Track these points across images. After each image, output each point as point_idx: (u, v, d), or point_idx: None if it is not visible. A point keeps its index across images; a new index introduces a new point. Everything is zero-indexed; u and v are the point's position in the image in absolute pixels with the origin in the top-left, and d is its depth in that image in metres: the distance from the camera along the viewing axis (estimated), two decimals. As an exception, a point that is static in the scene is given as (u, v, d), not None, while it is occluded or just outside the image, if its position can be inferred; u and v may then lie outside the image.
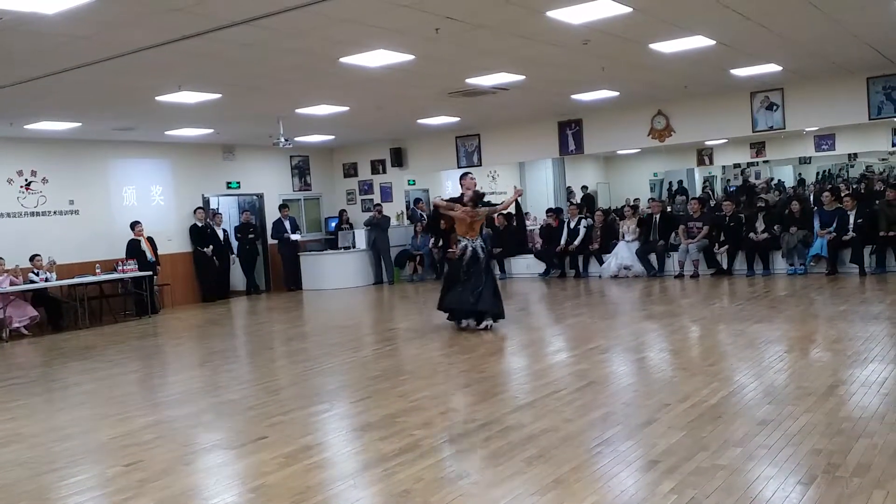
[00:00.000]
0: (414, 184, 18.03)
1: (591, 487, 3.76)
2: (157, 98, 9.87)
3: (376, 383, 6.55)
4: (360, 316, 12.31)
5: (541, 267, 14.99)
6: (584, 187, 23.37)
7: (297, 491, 3.97)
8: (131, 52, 7.39)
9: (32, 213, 12.70)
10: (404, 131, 15.86)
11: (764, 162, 26.13)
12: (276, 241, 16.14)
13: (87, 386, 7.63)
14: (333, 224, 17.31)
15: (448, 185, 20.44)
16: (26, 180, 12.63)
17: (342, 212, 17.30)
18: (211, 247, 14.80)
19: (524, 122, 15.06)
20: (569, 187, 22.19)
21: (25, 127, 11.39)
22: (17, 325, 11.42)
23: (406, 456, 4.41)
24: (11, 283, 11.42)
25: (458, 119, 14.28)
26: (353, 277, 15.83)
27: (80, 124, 11.61)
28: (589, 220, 15.03)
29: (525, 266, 15.32)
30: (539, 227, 16.57)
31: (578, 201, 19.65)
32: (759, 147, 21.61)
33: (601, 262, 14.22)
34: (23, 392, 7.53)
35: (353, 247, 16.14)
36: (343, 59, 8.46)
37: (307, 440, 4.98)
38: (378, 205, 16.76)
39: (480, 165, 16.49)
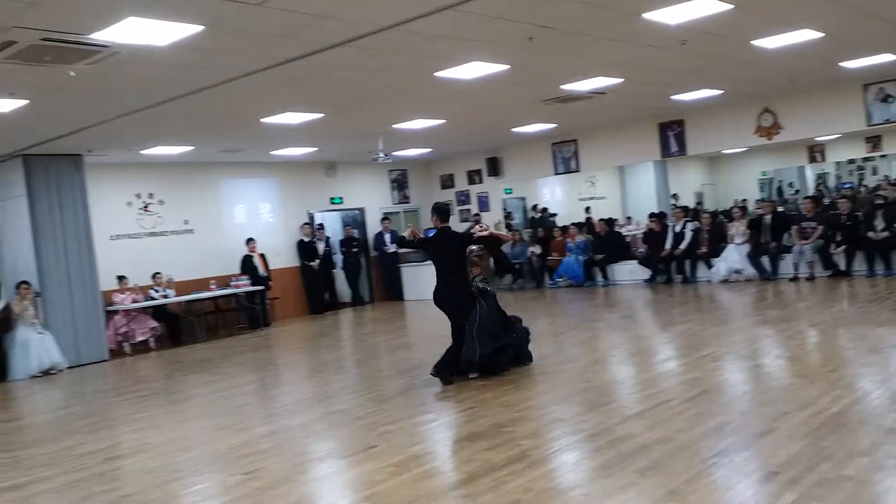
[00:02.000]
0: (511, 192, 18.03)
1: (707, 499, 3.64)
2: (263, 120, 10.27)
3: (480, 393, 6.56)
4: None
5: (645, 273, 14.66)
6: (699, 194, 22.63)
7: (409, 500, 4.02)
8: (237, 78, 7.72)
9: (151, 234, 13.43)
10: (500, 140, 15.88)
11: (881, 157, 24.67)
12: (377, 254, 16.47)
13: (205, 398, 8.00)
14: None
15: (545, 194, 20.35)
16: (144, 202, 13.38)
17: (441, 223, 17.44)
18: (317, 261, 15.26)
19: (623, 126, 14.80)
20: (674, 194, 21.58)
21: (142, 152, 12.08)
22: (139, 338, 12.10)
23: (515, 466, 4.40)
24: (133, 301, 12.12)
25: (554, 125, 14.18)
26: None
27: (192, 148, 12.22)
28: (696, 223, 14.60)
29: (628, 272, 15.02)
30: (642, 232, 16.22)
31: (685, 206, 19.07)
32: (875, 141, 20.42)
33: (710, 267, 13.77)
34: (147, 404, 7.97)
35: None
36: (438, 74, 8.57)
37: (416, 449, 5.05)
38: (477, 214, 16.83)
39: (578, 171, 16.32)
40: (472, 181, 17.69)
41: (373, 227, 16.78)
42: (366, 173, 16.78)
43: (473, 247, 7.51)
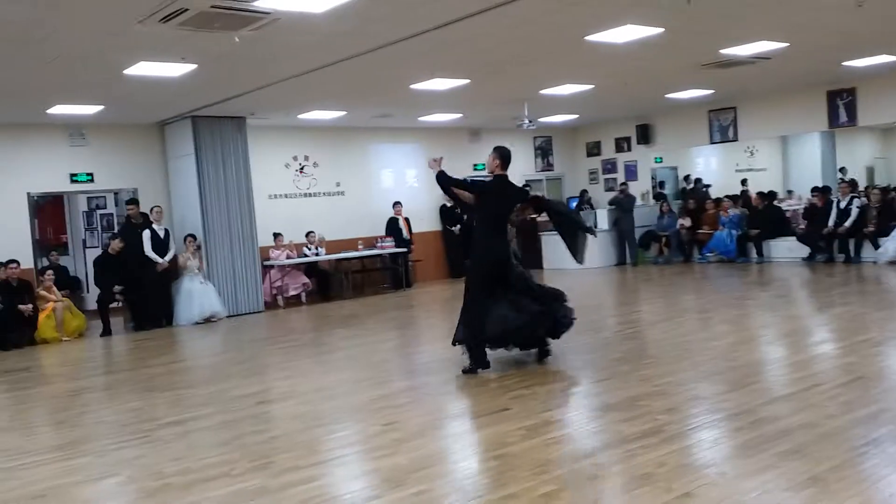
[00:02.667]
0: (661, 161, 17.42)
1: (853, 488, 3.43)
2: (412, 86, 10.46)
3: (618, 365, 6.46)
4: (602, 297, 12.18)
5: (804, 250, 13.79)
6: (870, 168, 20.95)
7: (538, 463, 4.05)
8: (389, 44, 7.90)
9: (305, 194, 14.09)
10: (651, 107, 15.34)
11: None
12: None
13: (350, 351, 8.37)
14: (574, 204, 17.25)
15: (699, 163, 19.49)
16: (300, 164, 14.04)
17: (583, 192, 17.19)
18: (458, 226, 15.46)
19: (787, 93, 13.88)
20: (842, 168, 20.05)
21: (299, 116, 12.65)
22: (292, 292, 12.81)
23: (648, 440, 4.31)
24: (288, 257, 12.82)
25: (712, 92, 13.51)
26: (595, 258, 15.61)
27: (345, 113, 12.66)
28: (862, 199, 13.53)
29: (787, 249, 14.17)
30: (803, 207, 15.23)
31: (853, 180, 17.71)
32: None
33: (877, 247, 12.74)
34: (296, 354, 8.45)
35: (595, 227, 15.96)
36: (589, 37, 8.37)
37: (548, 415, 5.06)
38: (623, 184, 16.41)
39: (736, 140, 15.52)
40: (619, 149, 17.24)
41: (516, 194, 16.74)
42: (509, 140, 16.65)
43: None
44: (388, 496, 3.76)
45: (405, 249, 14.17)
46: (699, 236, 15.27)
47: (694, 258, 15.29)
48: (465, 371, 6.40)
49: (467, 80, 10.38)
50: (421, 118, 13.95)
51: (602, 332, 8.50)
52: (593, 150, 17.75)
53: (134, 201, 11.72)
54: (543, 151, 17.61)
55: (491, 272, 6.39)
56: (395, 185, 15.23)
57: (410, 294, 13.50)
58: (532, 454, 4.22)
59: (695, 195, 16.68)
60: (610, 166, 17.46)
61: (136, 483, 4.33)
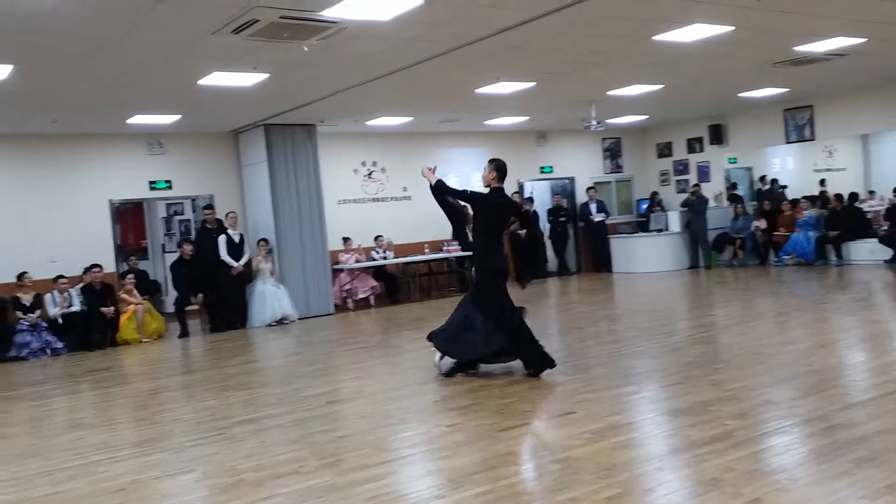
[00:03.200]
0: (735, 162, 16.99)
1: (936, 500, 3.30)
2: (477, 90, 10.50)
3: (689, 370, 6.35)
4: (674, 300, 11.96)
5: (886, 252, 13.24)
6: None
7: (604, 467, 4.03)
8: (454, 49, 7.96)
9: (373, 199, 14.30)
10: (724, 106, 14.99)
11: None
12: (583, 224, 16.33)
13: (417, 353, 8.43)
14: (644, 206, 17.00)
15: (774, 164, 18.93)
16: (368, 170, 14.25)
17: (654, 193, 16.92)
18: (525, 230, 15.40)
19: (867, 90, 13.37)
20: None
21: (367, 122, 12.86)
22: (361, 295, 13.01)
23: (717, 445, 4.24)
24: (357, 261, 13.02)
25: (786, 90, 13.12)
26: (666, 261, 15.41)
27: (411, 118, 12.80)
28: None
29: (868, 252, 13.64)
30: (885, 207, 14.62)
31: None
32: None
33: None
34: (365, 355, 8.59)
35: (666, 229, 15.70)
36: (657, 37, 8.26)
37: (614, 419, 5.01)
38: (696, 185, 16.08)
39: (813, 139, 15.02)
40: (691, 150, 16.90)
41: (583, 196, 16.62)
42: (577, 142, 16.62)
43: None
44: (452, 496, 3.79)
45: (471, 252, 14.18)
46: (775, 238, 14.84)
47: (770, 261, 14.86)
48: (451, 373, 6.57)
49: (533, 83, 10.37)
50: (487, 122, 13.98)
51: (673, 336, 8.36)
52: (664, 151, 17.45)
53: (211, 206, 12.12)
54: (612, 153, 17.40)
55: (497, 282, 6.51)
56: (461, 188, 15.25)
57: (477, 297, 13.51)
58: (597, 458, 4.20)
59: (771, 196, 16.22)
60: (682, 167, 17.13)
61: (210, 479, 4.48)
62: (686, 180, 16.84)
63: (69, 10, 5.81)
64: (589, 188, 16.46)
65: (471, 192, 6.77)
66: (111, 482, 4.51)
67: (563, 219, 16.13)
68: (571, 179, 16.78)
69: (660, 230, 15.76)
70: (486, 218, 6.55)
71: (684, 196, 16.08)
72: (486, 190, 6.67)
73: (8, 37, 6.40)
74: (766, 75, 11.35)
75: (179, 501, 4.23)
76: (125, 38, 6.66)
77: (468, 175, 15.39)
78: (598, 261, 16.29)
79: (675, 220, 15.65)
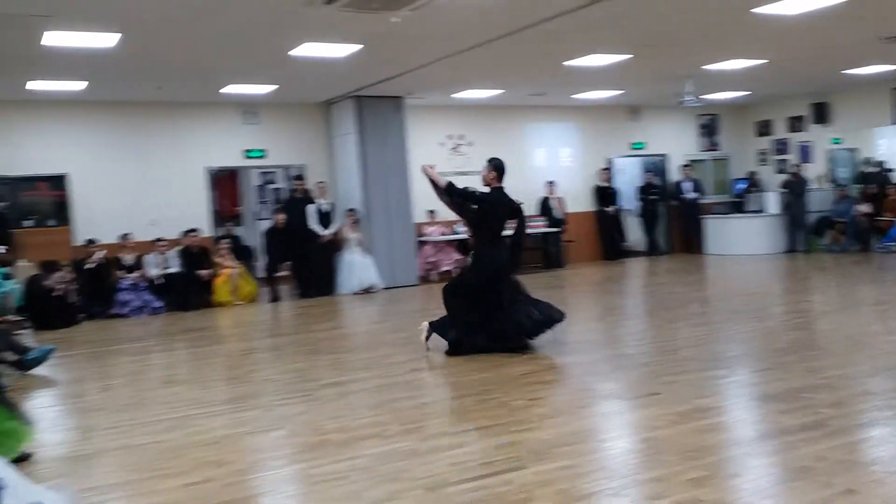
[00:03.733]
0: (840, 142, 16.17)
1: None
2: (566, 63, 10.32)
3: (782, 355, 6.14)
4: (768, 284, 11.55)
5: None
6: None
7: (689, 448, 3.95)
8: (547, 20, 7.83)
9: (459, 173, 14.24)
10: (828, 83, 14.25)
11: None
12: (676, 203, 15.91)
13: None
14: (741, 186, 16.42)
15: (881, 145, 17.93)
16: (455, 143, 14.26)
17: (752, 173, 16.31)
18: (614, 207, 15.17)
19: None
20: None
21: (454, 95, 12.84)
22: (444, 268, 13.10)
23: (810, 433, 4.09)
24: (441, 234, 13.11)
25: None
26: (762, 244, 14.86)
27: (500, 91, 12.71)
28: None
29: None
30: None
31: None
32: None
33: None
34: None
35: (763, 211, 15.14)
36: (756, 10, 7.91)
37: (701, 402, 4.90)
38: (796, 165, 15.41)
39: (925, 120, 14.15)
40: (792, 129, 16.18)
41: (676, 174, 16.19)
42: (671, 118, 16.15)
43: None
44: (533, 467, 3.80)
45: (558, 229, 14.08)
46: (879, 224, 14.10)
47: (873, 247, 14.13)
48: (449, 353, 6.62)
49: (627, 56, 10.11)
50: (575, 95, 13.74)
51: (766, 320, 8.09)
52: (763, 129, 16.76)
53: (301, 177, 12.40)
54: (708, 130, 16.84)
55: (489, 280, 6.66)
56: (548, 163, 15.12)
57: (561, 274, 13.42)
58: (681, 439, 4.13)
59: (876, 179, 15.39)
60: (781, 147, 16.42)
61: (298, 437, 4.64)
62: (786, 160, 16.16)
63: (174, -20, 6.01)
64: (684, 165, 16.00)
65: (473, 192, 6.94)
66: (205, 435, 4.73)
67: (653, 197, 15.76)
68: (664, 157, 16.34)
69: (756, 211, 15.20)
70: (488, 217, 6.76)
71: (783, 177, 15.44)
72: (487, 189, 6.86)
73: (116, 5, 6.67)
74: (874, 51, 10.73)
75: (268, 456, 4.39)
76: (224, 5, 6.83)
77: (556, 149, 15.23)
78: (690, 241, 15.86)
79: (772, 201, 15.05)
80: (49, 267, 9.81)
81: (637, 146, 16.02)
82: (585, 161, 15.47)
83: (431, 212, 13.22)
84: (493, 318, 6.60)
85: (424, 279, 12.99)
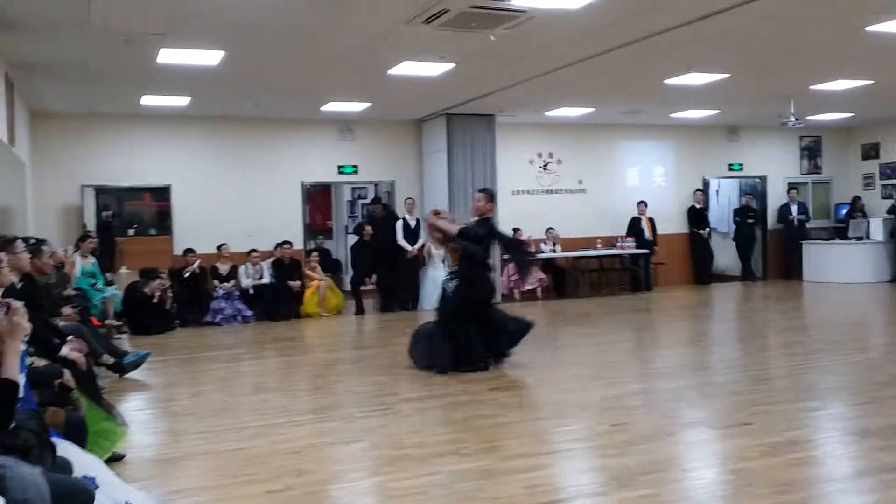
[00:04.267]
0: (954, 167, 15.26)
1: None
2: (665, 81, 10.12)
3: (882, 389, 5.80)
4: (869, 314, 10.96)
5: None
6: None
7: (781, 482, 3.77)
8: (645, 38, 7.70)
9: (547, 191, 14.22)
10: (944, 105, 13.46)
11: None
12: (780, 227, 15.31)
13: (582, 349, 8.34)
14: (844, 211, 15.67)
15: None
16: (544, 161, 14.19)
17: (856, 198, 15.54)
18: (708, 229, 14.75)
19: None
20: None
21: (546, 113, 12.79)
22: (528, 287, 13.00)
23: (913, 473, 3.84)
24: (528, 252, 13.03)
25: None
26: (864, 272, 14.12)
27: (593, 109, 12.57)
28: None
29: None
30: None
31: None
32: None
33: None
34: (529, 347, 8.50)
35: (867, 237, 14.39)
36: (870, 28, 7.55)
37: (794, 434, 4.67)
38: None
39: None
40: (902, 152, 15.35)
41: (774, 197, 15.60)
42: (771, 139, 15.59)
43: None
44: (615, 495, 3.71)
45: (647, 251, 13.78)
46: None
47: None
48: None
49: (727, 75, 9.83)
50: (673, 114, 13.46)
51: (867, 352, 7.69)
52: (870, 152, 15.96)
53: (378, 200, 12.57)
54: (811, 152, 16.16)
55: (477, 307, 6.98)
56: (640, 183, 14.84)
57: (650, 297, 13.10)
58: (773, 472, 3.94)
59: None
60: (889, 171, 15.59)
61: (378, 450, 4.67)
62: (894, 185, 15.33)
63: (276, 1, 6.22)
64: (790, 188, 15.38)
65: (476, 233, 7.07)
66: (288, 444, 4.82)
67: (750, 220, 15.23)
68: (763, 178, 15.76)
69: (860, 238, 14.46)
70: (487, 248, 7.10)
71: (890, 202, 14.65)
72: (477, 219, 7.19)
73: (221, 25, 6.96)
74: None
75: (348, 468, 4.44)
76: (325, 28, 7.03)
77: (650, 169, 14.93)
78: (788, 267, 15.23)
79: (878, 227, 14.30)
80: (148, 274, 10.26)
81: (735, 167, 15.53)
82: (679, 181, 15.10)
83: (516, 230, 13.16)
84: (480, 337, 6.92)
85: (507, 298, 12.92)
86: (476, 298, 7.00)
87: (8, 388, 2.74)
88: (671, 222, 14.83)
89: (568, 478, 4.12)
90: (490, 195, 7.22)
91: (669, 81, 10.13)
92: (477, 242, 7.03)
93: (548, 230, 13.41)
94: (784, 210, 15.23)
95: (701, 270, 14.83)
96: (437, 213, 7.39)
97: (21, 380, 2.98)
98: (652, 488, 3.76)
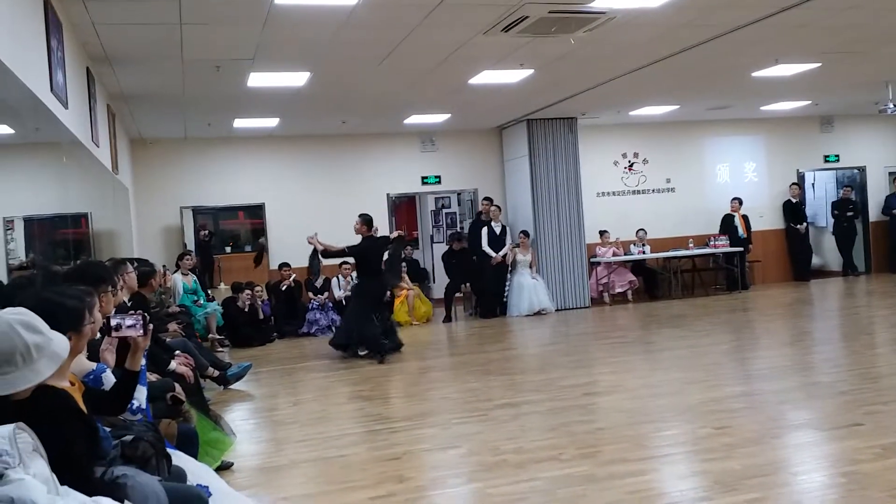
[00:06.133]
0: None
1: None
2: (753, 74, 9.83)
3: None
4: None
5: None
6: None
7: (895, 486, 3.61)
8: (729, 32, 7.51)
9: (633, 192, 13.99)
10: None
11: None
12: (885, 219, 14.58)
13: (678, 351, 8.16)
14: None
15: None
16: (629, 162, 13.97)
17: (966, 185, 14.67)
18: (805, 224, 14.20)
19: None
20: None
21: (629, 113, 12.60)
22: (618, 289, 12.82)
23: None
24: (614, 254, 12.85)
25: None
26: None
27: (677, 107, 12.32)
28: None
29: None
30: None
31: None
32: None
33: None
34: (622, 350, 8.46)
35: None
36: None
37: (911, 436, 4.46)
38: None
39: None
40: None
41: (874, 188, 14.88)
42: (869, 127, 14.87)
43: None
44: (720, 500, 3.63)
45: (741, 249, 13.36)
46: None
47: None
48: (381, 360, 8.43)
49: (817, 64, 9.47)
50: (763, 107, 13.04)
51: None
52: (980, 137, 15.04)
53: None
54: (912, 139, 15.35)
55: (374, 301, 8.96)
56: (731, 180, 14.42)
57: (746, 296, 12.70)
58: (888, 475, 3.78)
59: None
60: None
61: (475, 456, 4.71)
62: None
63: (359, 19, 6.38)
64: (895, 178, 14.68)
65: (347, 248, 8.87)
66: (388, 450, 4.92)
67: (850, 213, 14.56)
68: (861, 169, 15.06)
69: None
70: (365, 259, 8.90)
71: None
72: (360, 238, 8.89)
73: (307, 47, 7.19)
74: None
75: (447, 474, 4.49)
76: (405, 44, 7.16)
77: (740, 165, 14.49)
78: (894, 260, 14.48)
79: None
80: (237, 288, 10.69)
81: (831, 159, 14.90)
82: (772, 176, 14.60)
83: (603, 232, 13.02)
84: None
85: (597, 301, 12.77)
86: (367, 295, 8.88)
87: (131, 377, 2.98)
88: (766, 218, 14.34)
89: (671, 483, 4.06)
90: (365, 220, 8.97)
91: (757, 74, 9.83)
92: (349, 255, 9.18)
93: (638, 231, 13.19)
94: (891, 201, 14.49)
95: (799, 267, 14.28)
96: (314, 235, 9.03)
97: (143, 392, 3.17)
98: (759, 492, 3.66)
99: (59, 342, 2.32)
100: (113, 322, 2.97)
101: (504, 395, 6.39)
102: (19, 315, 2.25)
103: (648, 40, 7.69)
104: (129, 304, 4.96)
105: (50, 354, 2.26)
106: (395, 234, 10.16)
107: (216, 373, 7.12)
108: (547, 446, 4.72)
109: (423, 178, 13.16)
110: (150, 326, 3.03)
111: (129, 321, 2.96)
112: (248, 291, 10.55)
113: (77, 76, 6.09)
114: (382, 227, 12.77)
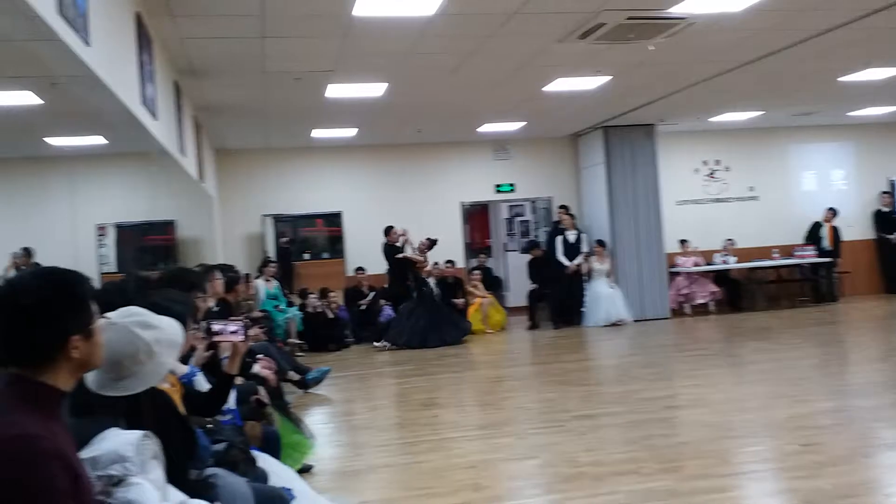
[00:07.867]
0: None
1: None
2: (840, 79, 9.48)
3: None
4: None
5: None
6: None
7: None
8: (815, 36, 7.27)
9: (715, 200, 13.63)
10: None
11: None
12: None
13: (763, 365, 7.89)
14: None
15: None
16: (710, 169, 13.62)
17: None
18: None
19: None
20: None
21: (710, 119, 12.30)
22: (699, 300, 12.48)
23: None
24: (695, 264, 12.53)
25: None
26: None
27: (761, 113, 11.96)
28: None
29: None
30: None
31: None
32: None
33: None
34: (705, 363, 8.23)
35: None
36: None
37: None
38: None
39: None
40: None
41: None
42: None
43: None
44: (810, 520, 3.49)
45: (829, 259, 12.84)
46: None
47: None
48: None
49: (910, 67, 9.06)
50: (850, 113, 12.53)
51: None
52: None
53: (565, 207, 12.52)
54: None
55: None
56: (818, 188, 13.89)
57: (834, 309, 12.19)
58: None
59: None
60: None
61: (552, 467, 4.66)
62: None
63: (437, 29, 6.44)
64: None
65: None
66: (464, 458, 4.91)
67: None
68: (959, 176, 14.31)
69: None
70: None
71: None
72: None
73: (384, 58, 7.29)
74: None
75: (524, 484, 4.46)
76: (481, 53, 7.18)
77: (827, 172, 13.97)
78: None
79: None
80: (303, 294, 10.96)
81: (926, 165, 14.19)
82: (861, 184, 14.00)
83: (683, 241, 12.72)
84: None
85: (677, 312, 12.47)
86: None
87: (228, 381, 3.13)
88: (855, 228, 13.76)
89: (757, 500, 3.93)
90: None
91: (845, 79, 9.47)
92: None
93: (726, 241, 12.81)
94: None
95: (891, 279, 13.63)
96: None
97: (232, 396, 3.27)
98: (853, 514, 3.50)
99: (173, 329, 2.40)
100: (216, 327, 3.08)
101: (582, 406, 6.30)
102: (132, 316, 2.33)
103: (730, 45, 7.51)
104: (216, 311, 5.13)
105: (168, 343, 2.35)
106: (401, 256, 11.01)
107: (297, 377, 7.27)
108: (626, 459, 4.63)
109: (496, 185, 13.15)
110: (251, 333, 3.15)
111: (231, 327, 3.08)
112: (312, 296, 10.81)
113: (165, 89, 6.33)
114: (456, 235, 12.85)
